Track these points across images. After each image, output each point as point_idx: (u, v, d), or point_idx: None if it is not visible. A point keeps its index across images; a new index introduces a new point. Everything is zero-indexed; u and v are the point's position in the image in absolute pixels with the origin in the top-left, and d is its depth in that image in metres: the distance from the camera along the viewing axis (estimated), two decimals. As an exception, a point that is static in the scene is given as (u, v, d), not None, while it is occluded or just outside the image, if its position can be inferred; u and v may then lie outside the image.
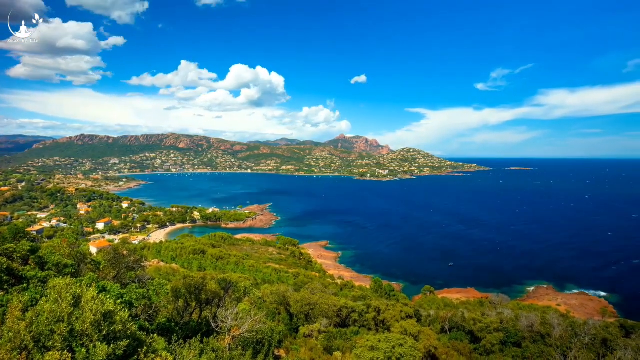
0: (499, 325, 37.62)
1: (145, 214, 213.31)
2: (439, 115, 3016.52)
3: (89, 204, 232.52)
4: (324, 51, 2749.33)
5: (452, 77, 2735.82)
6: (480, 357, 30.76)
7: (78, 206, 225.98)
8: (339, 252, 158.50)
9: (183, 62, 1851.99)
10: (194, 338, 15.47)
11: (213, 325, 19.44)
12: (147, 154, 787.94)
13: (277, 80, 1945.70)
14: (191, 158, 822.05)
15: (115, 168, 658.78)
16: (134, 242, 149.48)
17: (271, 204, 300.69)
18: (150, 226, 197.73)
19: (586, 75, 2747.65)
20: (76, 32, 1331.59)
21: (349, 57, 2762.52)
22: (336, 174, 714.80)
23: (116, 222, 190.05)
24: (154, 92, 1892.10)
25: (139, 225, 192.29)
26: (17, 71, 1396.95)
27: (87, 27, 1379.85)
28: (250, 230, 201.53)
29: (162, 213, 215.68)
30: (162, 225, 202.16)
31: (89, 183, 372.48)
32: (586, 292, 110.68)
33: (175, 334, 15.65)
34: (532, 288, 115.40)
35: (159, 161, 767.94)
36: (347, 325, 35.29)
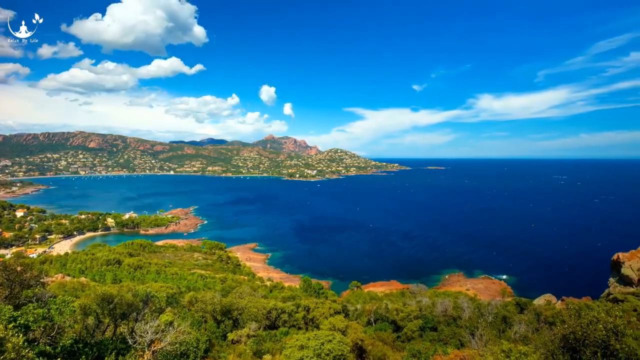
0: (418, 313, 40.72)
1: (46, 222, 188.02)
2: (377, 115, 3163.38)
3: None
4: (253, 49, 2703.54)
5: (392, 77, 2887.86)
6: (402, 344, 32.95)
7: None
8: (268, 254, 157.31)
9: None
10: (106, 358, 14.11)
11: (130, 341, 17.89)
12: (49, 155, 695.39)
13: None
14: (104, 159, 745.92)
15: (7, 171, 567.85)
16: (31, 255, 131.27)
17: (196, 207, 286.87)
18: (52, 237, 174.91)
19: (509, 82, 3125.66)
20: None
21: (284, 57, 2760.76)
22: (265, 174, 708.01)
23: (8, 234, 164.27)
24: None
25: (38, 236, 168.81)
26: None
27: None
28: (174, 235, 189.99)
29: (67, 221, 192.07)
30: (69, 235, 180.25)
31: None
32: (490, 276, 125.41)
33: (84, 356, 14.10)
34: (446, 276, 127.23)
35: (63, 163, 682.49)
36: (277, 326, 35.17)
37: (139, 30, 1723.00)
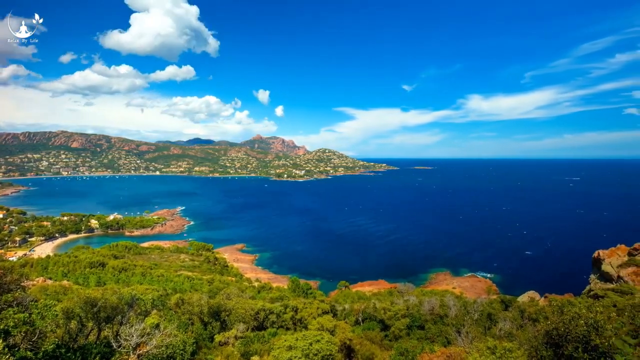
0: (405, 311, 41.05)
1: (26, 224, 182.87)
2: (367, 115, 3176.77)
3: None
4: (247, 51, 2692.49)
5: (382, 77, 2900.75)
6: (390, 342, 33.17)
7: None
8: (256, 255, 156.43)
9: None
10: (90, 362, 13.80)
11: (115, 345, 17.54)
12: (30, 155, 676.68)
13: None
14: (87, 159, 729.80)
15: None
16: (11, 258, 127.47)
17: (183, 207, 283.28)
18: (33, 239, 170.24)
19: (497, 83, 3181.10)
20: None
21: (276, 58, 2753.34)
22: (253, 174, 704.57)
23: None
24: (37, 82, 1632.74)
25: (18, 238, 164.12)
26: None
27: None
28: (160, 237, 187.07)
29: (49, 223, 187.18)
30: (50, 237, 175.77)
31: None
32: (475, 274, 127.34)
33: (66, 361, 13.75)
34: (433, 275, 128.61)
35: (45, 163, 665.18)
36: (265, 327, 34.99)
37: (163, 41, 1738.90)
